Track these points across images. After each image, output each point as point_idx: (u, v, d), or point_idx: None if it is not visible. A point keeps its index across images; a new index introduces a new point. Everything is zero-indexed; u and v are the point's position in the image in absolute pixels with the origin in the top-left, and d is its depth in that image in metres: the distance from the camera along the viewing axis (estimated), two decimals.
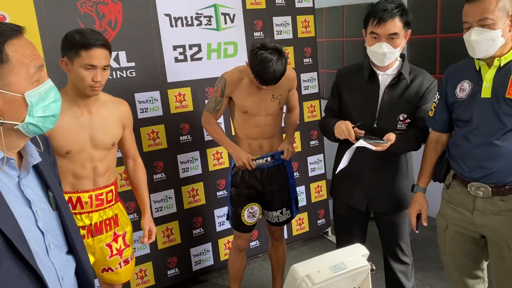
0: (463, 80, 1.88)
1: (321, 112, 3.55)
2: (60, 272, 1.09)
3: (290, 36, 3.39)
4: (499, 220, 1.82)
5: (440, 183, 2.08)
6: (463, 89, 1.87)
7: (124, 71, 2.80)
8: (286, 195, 2.68)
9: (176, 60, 2.97)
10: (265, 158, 2.58)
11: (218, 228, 3.32)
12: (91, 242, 2.08)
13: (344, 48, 4.80)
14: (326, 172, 3.75)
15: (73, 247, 1.16)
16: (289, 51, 3.40)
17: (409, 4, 3.88)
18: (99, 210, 2.09)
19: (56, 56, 2.54)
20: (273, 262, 2.92)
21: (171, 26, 2.92)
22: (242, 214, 2.62)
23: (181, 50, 2.98)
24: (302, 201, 3.67)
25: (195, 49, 3.02)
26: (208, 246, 3.31)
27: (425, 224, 2.08)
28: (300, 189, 3.65)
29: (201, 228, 3.24)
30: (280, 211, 2.68)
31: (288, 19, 3.36)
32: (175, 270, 3.18)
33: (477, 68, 1.83)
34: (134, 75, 2.83)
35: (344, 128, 2.05)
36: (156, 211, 3.03)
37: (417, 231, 2.14)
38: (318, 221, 3.81)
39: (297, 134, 3.55)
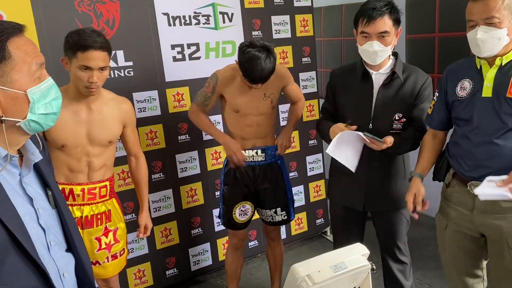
0: (463, 79, 1.87)
1: (320, 111, 3.54)
2: (61, 269, 1.10)
3: (288, 35, 3.38)
4: (499, 218, 1.81)
5: (440, 182, 2.07)
6: (464, 87, 1.86)
7: (122, 71, 2.79)
8: (280, 195, 2.65)
9: (174, 59, 2.96)
10: (256, 150, 2.54)
11: (217, 228, 3.31)
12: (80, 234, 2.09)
13: (342, 47, 4.80)
14: (325, 172, 3.75)
15: (73, 245, 1.16)
16: (288, 50, 3.40)
17: (407, 3, 3.87)
18: (91, 204, 2.12)
19: (53, 55, 2.54)
20: (270, 263, 2.91)
21: (169, 25, 2.91)
22: (233, 212, 2.61)
23: (179, 49, 2.97)
24: (300, 201, 3.67)
25: (193, 48, 3.01)
26: (207, 246, 3.30)
27: (419, 208, 1.97)
28: (299, 189, 3.65)
29: (200, 228, 3.23)
30: (274, 210, 2.65)
31: (286, 18, 3.35)
32: (174, 270, 3.17)
33: (478, 67, 1.82)
34: (132, 74, 2.82)
35: (338, 132, 2.03)
36: (154, 211, 3.02)
37: (415, 216, 2.01)
38: (317, 221, 3.80)
39: (295, 134, 3.54)
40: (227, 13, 3.09)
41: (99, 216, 2.15)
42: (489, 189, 1.66)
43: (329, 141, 2.17)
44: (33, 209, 1.06)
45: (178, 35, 2.94)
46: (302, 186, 3.66)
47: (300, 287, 1.13)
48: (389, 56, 2.11)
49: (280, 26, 3.34)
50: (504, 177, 1.65)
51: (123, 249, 2.29)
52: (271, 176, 2.61)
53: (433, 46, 3.79)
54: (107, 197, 2.19)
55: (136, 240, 2.97)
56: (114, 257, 2.24)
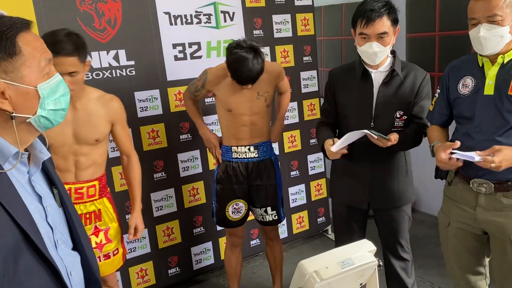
0: (465, 76, 1.87)
1: (320, 112, 3.54)
2: (69, 268, 1.10)
3: (289, 34, 3.38)
4: (502, 216, 1.81)
5: (442, 180, 2.07)
6: (466, 85, 1.86)
7: (123, 70, 2.79)
8: (271, 194, 2.64)
9: (176, 58, 2.96)
10: (248, 147, 2.54)
11: (219, 227, 3.30)
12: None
13: (342, 46, 4.81)
14: (326, 171, 3.75)
15: (79, 243, 1.16)
16: (289, 49, 3.40)
17: (407, 2, 3.88)
18: (79, 203, 2.10)
19: None
20: (270, 263, 2.91)
21: (171, 24, 2.91)
22: (226, 210, 2.61)
23: (180, 48, 2.97)
24: (302, 200, 3.67)
25: (194, 47, 3.01)
26: (209, 245, 3.30)
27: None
28: (300, 188, 3.65)
29: (202, 227, 3.23)
30: (264, 209, 2.64)
31: (287, 17, 3.35)
32: (176, 269, 3.17)
33: (480, 65, 1.83)
34: (134, 73, 2.82)
35: (332, 154, 2.07)
36: (156, 210, 3.02)
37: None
38: (318, 219, 3.81)
39: (296, 133, 3.55)
40: (228, 12, 3.10)
41: (87, 216, 2.14)
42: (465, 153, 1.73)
43: (323, 152, 2.19)
44: (42, 207, 1.06)
45: (179, 34, 2.94)
46: (303, 185, 3.66)
47: (307, 283, 1.13)
48: (388, 54, 2.12)
49: (281, 25, 3.34)
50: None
51: (117, 248, 2.26)
52: (264, 173, 2.60)
53: (434, 45, 3.79)
54: (97, 197, 2.16)
55: (138, 239, 2.96)
56: (107, 256, 2.22)
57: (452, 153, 1.75)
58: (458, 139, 1.90)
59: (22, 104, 0.99)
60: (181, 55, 2.98)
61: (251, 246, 3.50)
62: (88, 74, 2.68)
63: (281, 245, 2.88)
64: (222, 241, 3.35)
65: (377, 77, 2.14)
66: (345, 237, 2.40)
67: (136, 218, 2.26)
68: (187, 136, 3.08)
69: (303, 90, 3.53)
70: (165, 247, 3.09)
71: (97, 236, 2.17)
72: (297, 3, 3.37)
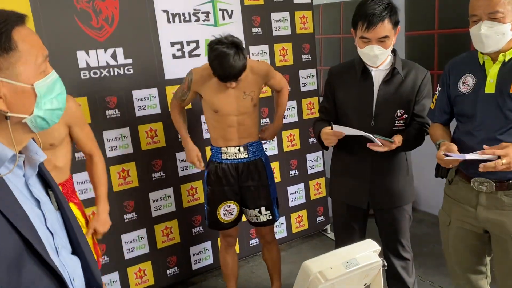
0: (466, 74, 1.86)
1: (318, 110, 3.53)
2: (71, 273, 1.05)
3: (288, 32, 3.36)
4: (503, 215, 1.80)
5: (442, 178, 2.06)
6: (467, 83, 1.85)
7: (121, 68, 2.76)
8: (264, 194, 2.60)
9: (174, 56, 2.94)
10: (238, 148, 2.51)
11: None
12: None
13: (341, 44, 4.79)
14: (325, 170, 3.73)
15: (78, 248, 1.11)
16: (288, 47, 3.38)
17: (406, 0, 3.87)
18: None
19: (52, 54, 2.50)
20: (268, 265, 2.86)
21: (169, 22, 2.88)
22: (218, 212, 2.58)
23: (179, 46, 2.95)
24: (301, 199, 3.66)
25: (193, 45, 2.99)
26: (208, 244, 3.28)
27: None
28: (299, 187, 3.63)
29: (201, 227, 3.21)
30: (258, 210, 2.61)
31: (286, 15, 3.33)
32: (175, 269, 3.15)
33: (481, 63, 1.81)
34: (132, 72, 2.80)
35: (330, 136, 2.04)
36: (155, 210, 3.00)
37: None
38: (317, 219, 3.79)
39: (295, 132, 3.53)
40: (226, 10, 3.07)
41: None
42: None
43: (321, 142, 2.17)
44: (41, 212, 1.01)
45: (177, 32, 2.92)
46: (302, 184, 3.65)
47: (312, 283, 1.11)
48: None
49: (280, 23, 3.32)
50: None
51: None
52: (255, 174, 2.56)
53: (433, 42, 3.78)
54: None
55: (137, 239, 2.95)
56: None
57: (445, 155, 1.73)
58: (459, 138, 1.89)
59: (17, 103, 0.93)
60: (179, 54, 2.95)
61: (250, 245, 3.48)
62: (85, 73, 2.65)
63: (278, 246, 2.85)
64: None
65: (377, 75, 2.12)
66: (345, 237, 2.38)
67: (96, 221, 2.13)
68: None
69: (302, 89, 3.51)
70: (163, 247, 3.07)
71: None
72: (295, 0, 3.36)
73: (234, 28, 3.11)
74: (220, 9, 3.05)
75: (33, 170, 1.02)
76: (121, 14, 2.71)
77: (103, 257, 2.84)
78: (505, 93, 1.72)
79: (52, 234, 1.02)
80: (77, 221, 1.15)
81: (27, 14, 2.22)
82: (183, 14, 2.93)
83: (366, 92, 2.13)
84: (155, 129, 2.94)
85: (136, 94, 2.84)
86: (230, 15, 3.10)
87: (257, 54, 3.25)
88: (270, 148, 3.41)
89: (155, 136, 2.95)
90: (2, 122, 0.93)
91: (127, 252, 2.93)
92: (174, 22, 2.90)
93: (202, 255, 3.26)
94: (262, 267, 3.37)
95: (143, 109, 2.88)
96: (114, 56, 2.72)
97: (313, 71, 3.55)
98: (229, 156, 2.51)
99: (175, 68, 2.94)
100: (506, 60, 1.74)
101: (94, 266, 1.12)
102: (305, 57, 3.48)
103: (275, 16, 3.28)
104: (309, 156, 3.64)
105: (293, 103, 3.48)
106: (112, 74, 2.73)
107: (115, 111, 2.79)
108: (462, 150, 1.86)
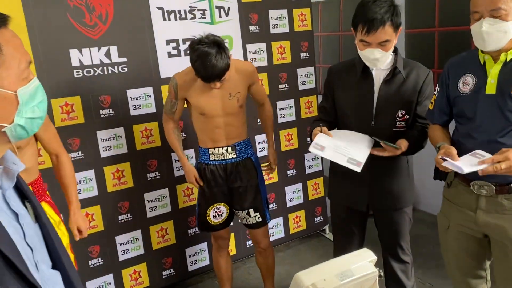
0: (466, 74, 1.80)
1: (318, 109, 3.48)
2: None
3: (286, 29, 3.31)
4: (503, 219, 1.76)
5: (441, 181, 2.01)
6: (467, 83, 1.80)
7: (115, 67, 2.71)
8: (252, 195, 2.54)
9: (170, 55, 2.89)
10: (226, 148, 2.46)
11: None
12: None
13: (340, 42, 4.74)
14: (324, 169, 3.69)
15: (58, 262, 1.04)
16: (285, 45, 3.33)
17: None
18: None
19: (44, 51, 2.48)
20: (262, 271, 2.80)
21: (164, 19, 2.83)
22: (207, 215, 2.53)
23: (174, 44, 2.90)
24: (299, 199, 3.62)
25: (189, 43, 2.92)
26: (204, 245, 3.24)
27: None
28: (297, 187, 3.59)
29: (197, 228, 3.16)
30: (246, 211, 2.55)
31: (284, 12, 3.27)
32: (170, 271, 3.11)
33: (482, 62, 1.76)
34: (126, 70, 2.75)
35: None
36: (150, 211, 2.96)
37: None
38: (316, 219, 3.75)
39: (293, 131, 3.48)
40: (223, 7, 3.02)
41: None
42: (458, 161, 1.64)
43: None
44: (19, 226, 0.94)
45: (173, 30, 2.87)
46: (300, 184, 3.60)
47: None
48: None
49: (278, 20, 3.27)
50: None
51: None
52: (244, 174, 2.51)
53: (433, 41, 3.73)
54: None
55: (131, 240, 2.91)
56: None
57: (443, 159, 1.68)
58: (459, 140, 1.84)
59: None
60: (175, 52, 2.90)
61: (247, 246, 3.44)
62: (79, 71, 2.60)
63: (273, 252, 2.77)
64: None
65: (378, 74, 2.07)
66: (344, 240, 2.35)
67: (76, 219, 2.11)
68: (182, 134, 3.00)
69: (300, 87, 3.46)
70: (159, 248, 3.03)
71: None
72: None
73: (231, 26, 3.06)
74: (216, 7, 2.99)
75: (11, 181, 0.96)
76: (115, 11, 2.66)
77: (97, 259, 2.81)
78: (507, 94, 1.66)
79: (31, 249, 0.95)
80: (57, 232, 1.09)
81: (18, 11, 2.13)
82: (179, 11, 2.88)
83: (367, 92, 2.08)
84: (150, 128, 2.89)
85: (131, 93, 2.80)
86: (227, 12, 3.04)
87: (254, 52, 3.20)
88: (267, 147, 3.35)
89: (150, 136, 2.90)
90: None
91: (122, 254, 2.89)
92: (169, 19, 2.85)
93: (198, 256, 3.22)
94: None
95: (138, 108, 2.83)
96: (108, 54, 2.68)
97: (311, 69, 3.49)
98: (217, 157, 2.47)
99: (170, 67, 2.88)
100: (508, 59, 1.68)
101: (76, 280, 1.07)
102: (303, 55, 3.43)
103: (272, 13, 3.23)
104: (307, 156, 3.60)
105: (291, 101, 3.44)
106: (106, 72, 2.69)
107: (109, 111, 2.74)
108: (461, 152, 1.81)
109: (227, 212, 2.58)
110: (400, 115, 2.07)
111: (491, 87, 1.71)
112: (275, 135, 3.37)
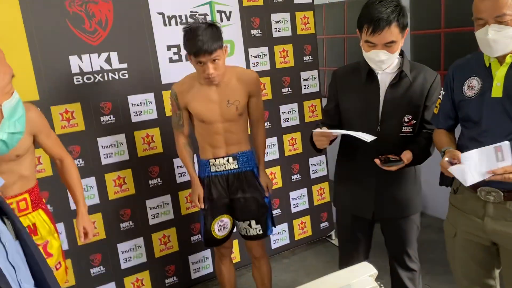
0: (471, 77, 1.75)
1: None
2: None
3: (289, 33, 3.27)
4: (511, 226, 1.69)
5: (447, 187, 1.96)
6: (472, 86, 1.74)
7: (116, 73, 2.69)
8: (255, 206, 2.46)
9: (171, 60, 2.86)
10: (227, 158, 2.40)
11: None
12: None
13: (345, 44, 4.69)
14: (329, 174, 3.64)
15: (41, 280, 1.00)
16: (288, 49, 3.29)
17: None
18: None
19: (43, 57, 2.46)
20: (258, 283, 2.70)
21: (165, 25, 2.81)
22: (212, 229, 2.46)
23: (175, 50, 2.87)
24: (304, 204, 3.57)
25: None
26: (207, 253, 3.20)
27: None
28: (302, 192, 3.54)
29: (200, 235, 3.12)
30: (248, 222, 2.48)
31: (286, 15, 3.24)
32: (173, 279, 3.07)
33: (487, 65, 1.71)
34: (127, 77, 2.73)
35: (319, 137, 1.94)
36: (152, 218, 2.93)
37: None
38: (321, 225, 3.70)
39: (297, 135, 3.44)
40: (224, 12, 2.99)
41: None
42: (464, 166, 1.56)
43: (313, 145, 2.08)
44: (1, 245, 0.90)
45: (174, 35, 2.84)
46: (305, 189, 3.55)
47: None
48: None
49: (280, 24, 3.23)
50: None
51: (59, 262, 2.12)
52: (246, 185, 2.44)
53: (439, 42, 3.67)
54: (30, 210, 1.99)
55: (134, 248, 2.88)
56: None
57: (450, 162, 1.63)
58: (465, 144, 1.79)
59: None
60: (176, 57, 2.87)
61: (248, 252, 3.39)
62: (78, 78, 2.58)
63: (268, 263, 2.67)
64: None
65: (384, 78, 2.02)
66: (350, 248, 2.30)
67: (83, 220, 2.12)
68: None
69: (304, 91, 3.42)
70: (161, 256, 3.00)
71: None
72: (296, 1, 3.26)
73: (233, 30, 3.03)
74: (218, 11, 2.96)
75: None
76: (115, 17, 2.64)
77: (99, 267, 2.79)
78: None
79: (14, 268, 0.92)
80: (39, 249, 1.05)
81: (17, 17, 2.09)
82: (180, 16, 2.85)
83: (372, 96, 2.02)
84: (152, 134, 2.86)
85: (132, 99, 2.77)
86: (228, 17, 3.01)
87: (257, 56, 3.16)
88: (271, 152, 3.32)
89: (151, 142, 2.87)
90: None
91: (124, 262, 2.86)
92: (170, 25, 2.83)
93: (201, 263, 3.18)
94: None
95: (139, 114, 2.81)
96: (108, 60, 2.65)
97: (314, 72, 3.45)
98: (218, 168, 2.41)
99: (172, 72, 2.86)
100: None
101: None
102: (307, 58, 3.39)
103: (275, 17, 3.19)
104: (312, 160, 3.55)
105: (295, 105, 3.39)
106: (106, 79, 2.66)
107: (110, 117, 2.72)
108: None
109: (231, 223, 2.52)
110: (406, 120, 2.01)
111: (497, 90, 1.66)
112: (279, 139, 3.34)
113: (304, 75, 3.40)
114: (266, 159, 3.15)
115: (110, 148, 2.74)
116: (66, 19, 2.50)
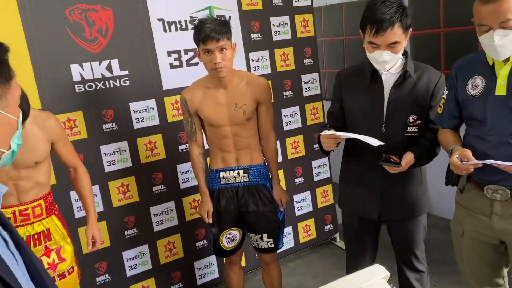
0: (475, 76, 1.75)
1: (324, 114, 3.43)
2: None
3: (289, 36, 3.27)
4: None
5: (453, 186, 1.95)
6: (476, 85, 1.74)
7: (117, 80, 2.69)
8: (267, 220, 2.43)
9: (172, 66, 2.86)
10: (237, 171, 2.37)
11: None
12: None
13: (344, 46, 4.69)
14: (332, 176, 3.63)
15: None
16: (289, 52, 3.29)
17: None
18: (26, 225, 2.01)
19: (45, 68, 2.45)
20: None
21: (165, 31, 2.81)
22: (221, 241, 2.46)
23: (176, 55, 2.87)
24: (308, 207, 3.56)
25: (190, 54, 2.91)
26: (213, 258, 3.19)
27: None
28: (306, 195, 3.53)
29: (205, 240, 3.12)
30: (260, 236, 2.46)
31: (286, 19, 3.24)
32: (179, 285, 3.06)
33: (491, 63, 1.71)
34: (128, 83, 2.72)
35: (327, 140, 1.95)
36: (157, 225, 2.92)
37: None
38: (326, 227, 3.68)
39: (299, 138, 3.43)
40: (224, 16, 2.99)
41: (36, 237, 2.03)
42: None
43: (321, 148, 2.07)
44: (11, 254, 0.89)
45: (174, 41, 2.84)
46: (308, 192, 3.54)
47: None
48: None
49: (280, 27, 3.23)
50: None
51: (72, 267, 2.14)
52: (257, 198, 2.40)
53: (439, 42, 3.67)
54: (44, 216, 2.05)
55: (139, 255, 2.86)
56: (62, 276, 2.10)
57: (460, 160, 1.63)
58: (470, 143, 1.79)
59: (1, 136, 0.86)
60: (176, 63, 2.87)
61: (257, 258, 3.38)
62: (80, 86, 2.58)
63: (278, 268, 2.66)
64: None
65: (388, 79, 2.01)
66: (356, 250, 2.29)
67: (92, 229, 2.17)
68: (187, 146, 2.95)
69: (305, 94, 3.42)
70: (167, 263, 2.99)
71: (48, 256, 2.06)
72: (295, 4, 3.27)
73: (233, 35, 3.00)
74: (217, 16, 2.96)
75: None
76: (115, 24, 2.64)
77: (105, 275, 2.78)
78: None
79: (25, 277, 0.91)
80: (39, 260, 1.04)
81: (17, 27, 2.10)
82: (179, 22, 2.85)
83: (376, 97, 2.02)
84: (155, 141, 2.86)
85: (134, 106, 2.77)
86: (228, 21, 3.00)
87: (257, 60, 3.16)
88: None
89: (154, 149, 2.86)
90: None
91: (129, 269, 2.85)
92: (170, 30, 2.83)
93: (207, 269, 3.17)
94: None
95: (141, 121, 2.80)
96: (109, 68, 2.65)
97: (315, 75, 3.45)
98: (228, 181, 2.39)
99: (173, 78, 2.86)
100: None
101: None
102: (307, 61, 3.39)
103: (274, 20, 3.20)
104: (315, 163, 3.54)
105: (296, 108, 3.39)
106: (107, 86, 2.66)
107: (112, 125, 2.71)
108: (473, 156, 1.76)
109: (240, 235, 2.51)
110: (411, 120, 2.01)
111: (501, 89, 1.66)
112: (281, 142, 3.33)
113: (305, 78, 3.40)
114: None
115: (113, 156, 2.74)
116: (66, 28, 2.50)
